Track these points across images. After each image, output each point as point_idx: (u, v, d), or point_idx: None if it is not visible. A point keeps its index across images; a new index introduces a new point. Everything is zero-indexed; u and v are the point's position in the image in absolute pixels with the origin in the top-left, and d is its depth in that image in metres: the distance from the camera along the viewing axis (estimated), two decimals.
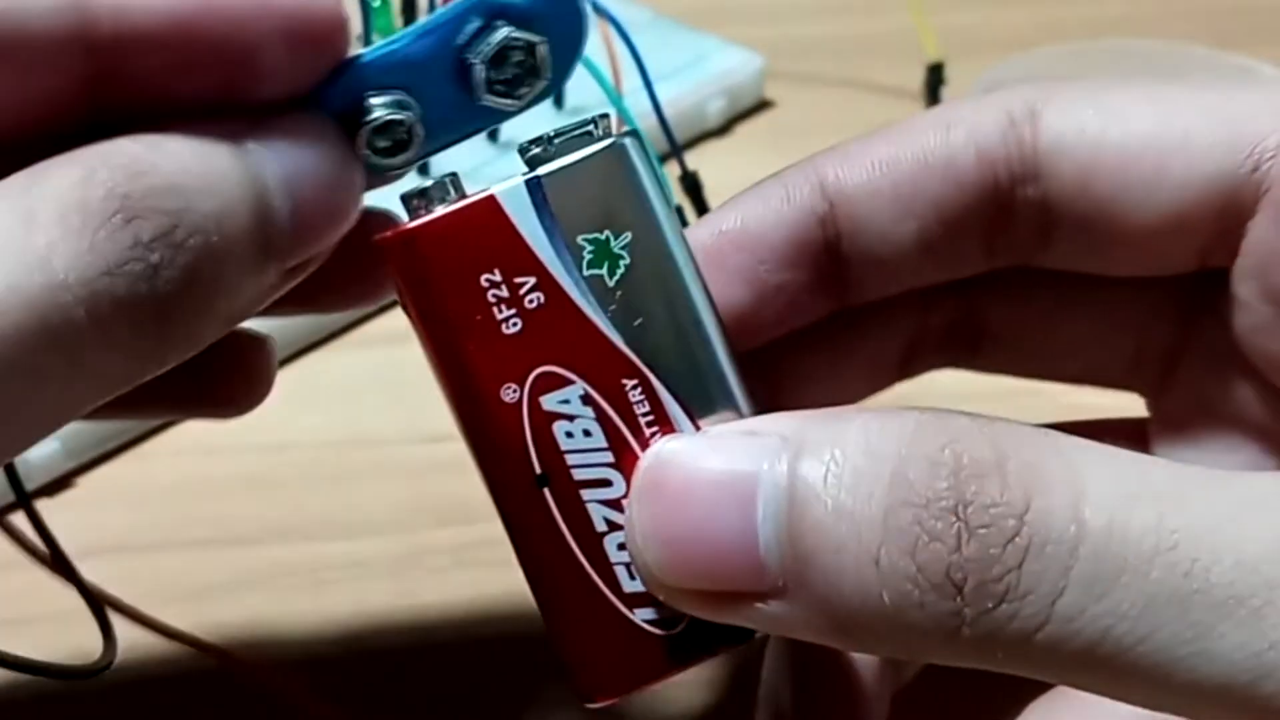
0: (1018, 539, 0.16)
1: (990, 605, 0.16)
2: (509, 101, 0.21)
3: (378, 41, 0.21)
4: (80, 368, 0.17)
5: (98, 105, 0.19)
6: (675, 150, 0.40)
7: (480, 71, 0.20)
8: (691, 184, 0.40)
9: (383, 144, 0.20)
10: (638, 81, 0.39)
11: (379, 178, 0.21)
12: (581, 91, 0.45)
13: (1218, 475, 0.17)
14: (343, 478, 0.36)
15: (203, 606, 0.32)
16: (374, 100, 0.20)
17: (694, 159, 0.42)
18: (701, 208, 0.41)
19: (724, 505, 0.17)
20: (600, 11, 0.38)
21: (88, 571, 0.26)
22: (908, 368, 0.25)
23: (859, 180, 0.22)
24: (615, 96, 0.36)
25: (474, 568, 0.33)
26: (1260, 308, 0.21)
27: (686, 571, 0.18)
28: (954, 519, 0.16)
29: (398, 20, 0.46)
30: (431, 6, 0.44)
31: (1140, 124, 0.21)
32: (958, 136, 0.22)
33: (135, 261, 0.17)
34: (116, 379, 0.18)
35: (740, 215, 0.22)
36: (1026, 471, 0.16)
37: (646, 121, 0.38)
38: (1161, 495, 0.16)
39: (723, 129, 0.49)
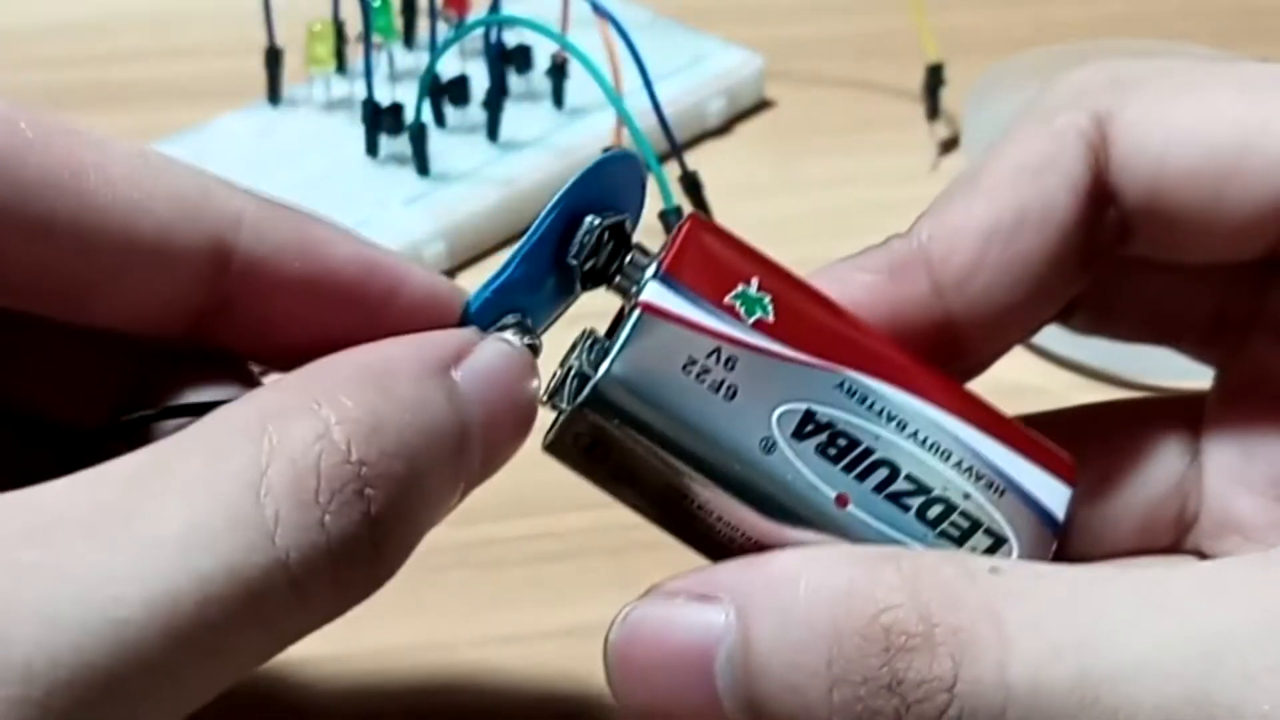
0: (949, 710, 0.17)
1: None
2: (603, 285, 0.21)
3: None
4: (274, 634, 0.17)
5: (214, 322, 0.19)
6: (675, 150, 0.40)
7: (579, 268, 0.21)
8: (691, 184, 0.40)
9: None
10: (638, 81, 0.39)
11: None
12: (582, 92, 0.45)
13: (1147, 601, 0.17)
14: None
15: None
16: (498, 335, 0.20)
17: (694, 159, 0.42)
18: (701, 208, 0.41)
19: (687, 675, 0.18)
20: (600, 11, 0.39)
21: None
22: None
23: (964, 261, 0.22)
24: (615, 97, 0.36)
25: (474, 568, 0.33)
26: None
27: None
28: (891, 696, 0.17)
29: (397, 20, 0.46)
30: (431, 8, 0.44)
31: (1203, 141, 0.21)
32: (1052, 183, 0.22)
33: (359, 540, 0.17)
34: (300, 635, 0.18)
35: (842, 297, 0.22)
36: (953, 639, 0.17)
37: (646, 121, 0.38)
38: (1084, 644, 0.17)
39: (723, 129, 0.49)
